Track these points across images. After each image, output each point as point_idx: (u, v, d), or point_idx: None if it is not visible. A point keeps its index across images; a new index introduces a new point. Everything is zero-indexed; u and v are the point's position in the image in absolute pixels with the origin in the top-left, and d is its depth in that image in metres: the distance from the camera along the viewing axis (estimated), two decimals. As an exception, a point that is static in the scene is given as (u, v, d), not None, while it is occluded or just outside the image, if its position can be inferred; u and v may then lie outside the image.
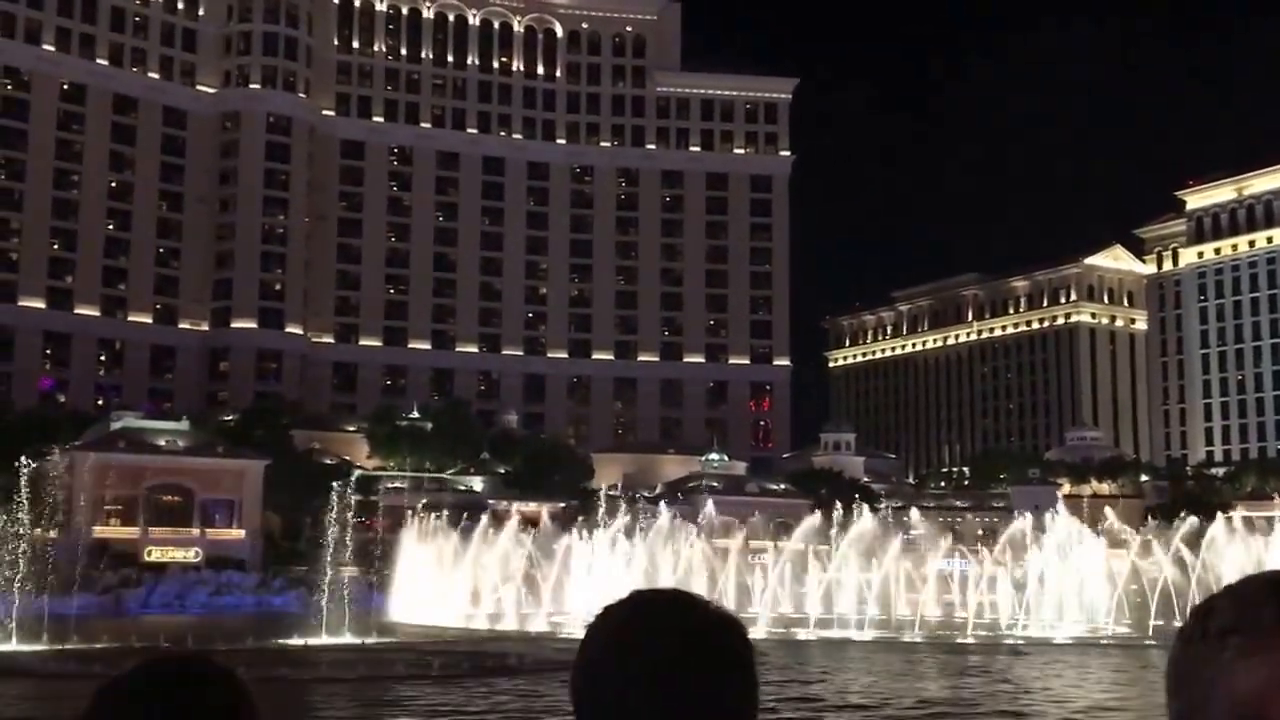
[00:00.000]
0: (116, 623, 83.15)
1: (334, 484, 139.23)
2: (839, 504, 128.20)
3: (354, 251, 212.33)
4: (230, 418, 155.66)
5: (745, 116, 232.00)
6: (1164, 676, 1.78)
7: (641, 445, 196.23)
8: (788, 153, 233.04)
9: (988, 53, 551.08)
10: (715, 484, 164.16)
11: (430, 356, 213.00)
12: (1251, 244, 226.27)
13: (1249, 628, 1.65)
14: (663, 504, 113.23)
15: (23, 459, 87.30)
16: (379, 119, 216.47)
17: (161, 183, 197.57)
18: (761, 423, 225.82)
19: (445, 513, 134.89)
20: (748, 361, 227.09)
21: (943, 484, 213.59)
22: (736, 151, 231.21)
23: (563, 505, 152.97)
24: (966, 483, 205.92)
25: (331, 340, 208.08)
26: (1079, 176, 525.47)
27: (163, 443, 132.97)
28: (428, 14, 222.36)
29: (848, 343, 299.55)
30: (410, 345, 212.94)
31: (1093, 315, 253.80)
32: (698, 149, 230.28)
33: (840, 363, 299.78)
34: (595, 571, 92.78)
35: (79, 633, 64.52)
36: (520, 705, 41.52)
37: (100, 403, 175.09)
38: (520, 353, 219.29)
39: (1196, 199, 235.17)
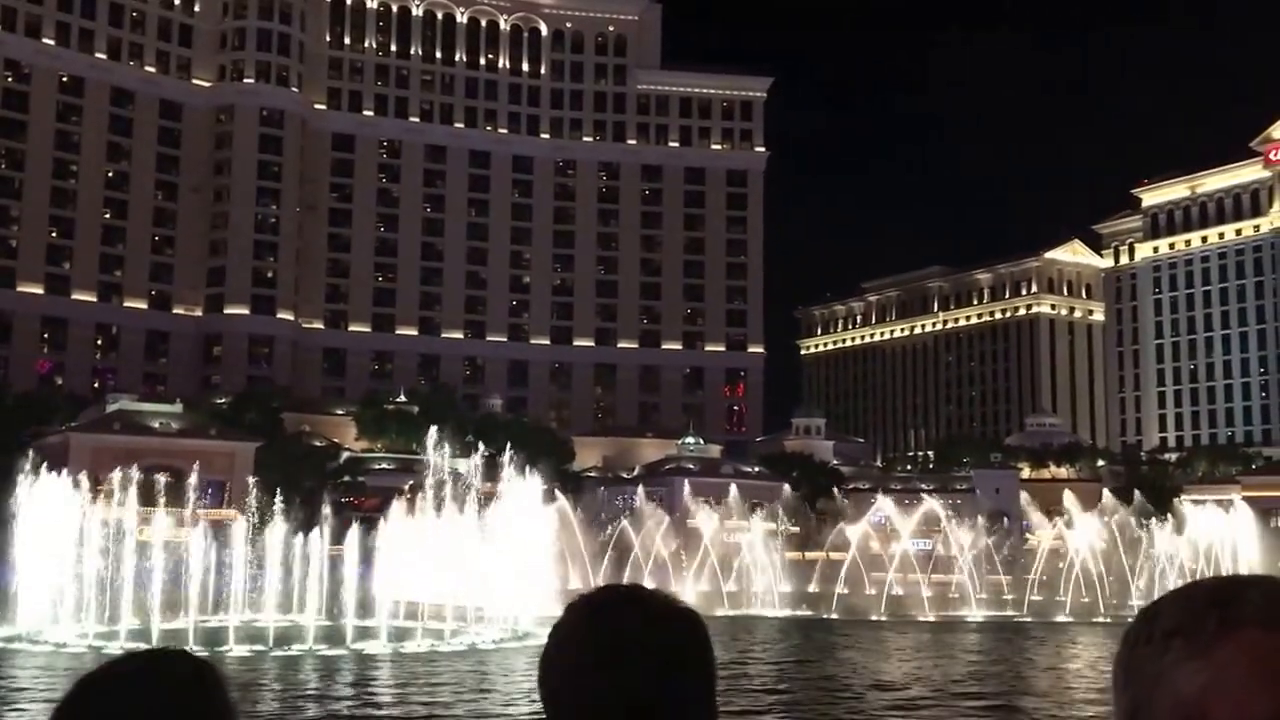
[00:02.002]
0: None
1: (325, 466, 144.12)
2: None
3: (344, 241, 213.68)
4: (223, 401, 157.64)
5: (722, 113, 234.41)
6: (1111, 676, 1.84)
7: (620, 429, 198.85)
8: (762, 149, 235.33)
9: (955, 53, 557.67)
10: (691, 466, 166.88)
11: (417, 342, 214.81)
12: (1204, 239, 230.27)
13: (1193, 631, 1.71)
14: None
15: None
16: (369, 113, 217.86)
17: (157, 173, 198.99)
18: (736, 408, 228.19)
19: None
20: (723, 349, 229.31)
21: (908, 467, 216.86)
22: (713, 147, 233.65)
23: (544, 487, 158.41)
24: (931, 466, 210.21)
25: (321, 326, 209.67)
26: (1040, 174, 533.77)
27: (157, 425, 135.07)
28: (417, 11, 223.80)
29: (819, 331, 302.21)
30: (398, 331, 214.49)
31: (1052, 307, 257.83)
32: (676, 144, 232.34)
33: (812, 350, 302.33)
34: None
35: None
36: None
37: (96, 386, 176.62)
38: (504, 339, 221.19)
39: (1152, 196, 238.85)
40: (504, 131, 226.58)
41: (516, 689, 41.49)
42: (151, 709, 2.25)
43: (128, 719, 2.23)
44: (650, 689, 2.09)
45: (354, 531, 70.22)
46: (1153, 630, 1.76)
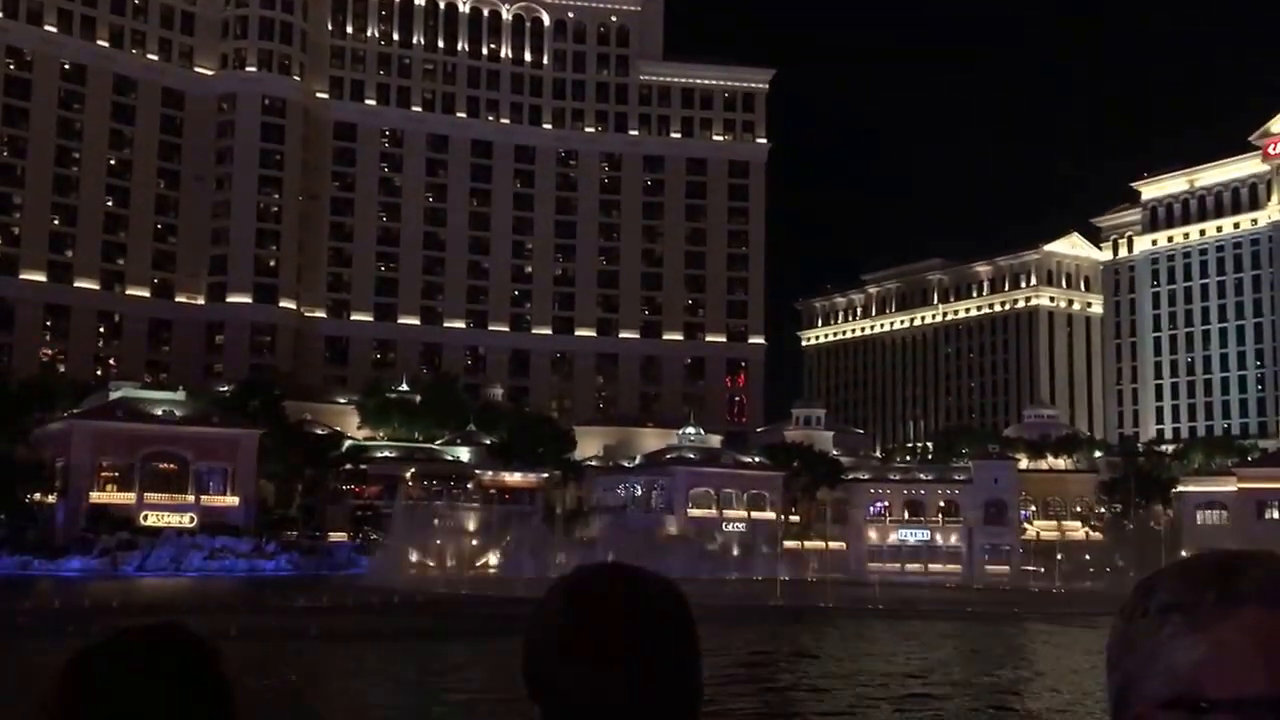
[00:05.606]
0: (112, 584, 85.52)
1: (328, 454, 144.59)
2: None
3: (346, 230, 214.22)
4: (225, 389, 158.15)
5: (724, 105, 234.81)
6: (1105, 650, 1.80)
7: (621, 419, 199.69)
8: (764, 140, 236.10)
9: (955, 46, 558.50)
10: (691, 456, 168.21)
11: (419, 331, 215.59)
12: (1202, 233, 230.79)
13: (1190, 606, 1.69)
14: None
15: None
16: (371, 102, 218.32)
17: (160, 161, 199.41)
18: (736, 398, 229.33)
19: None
20: (724, 339, 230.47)
21: (907, 458, 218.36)
22: (715, 138, 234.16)
23: (545, 475, 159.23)
24: (930, 457, 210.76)
25: (324, 315, 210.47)
26: (1040, 167, 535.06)
27: (159, 412, 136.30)
28: (419, 1, 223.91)
29: (819, 322, 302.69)
30: (400, 320, 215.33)
31: (1051, 299, 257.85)
32: (678, 135, 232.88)
33: (812, 341, 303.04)
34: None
35: (68, 594, 67.00)
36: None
37: (99, 373, 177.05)
38: (506, 329, 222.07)
39: (1151, 190, 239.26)
40: (506, 121, 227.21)
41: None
42: (155, 680, 2.22)
43: (130, 691, 2.19)
44: (634, 664, 2.07)
45: None
46: (1149, 604, 1.74)
